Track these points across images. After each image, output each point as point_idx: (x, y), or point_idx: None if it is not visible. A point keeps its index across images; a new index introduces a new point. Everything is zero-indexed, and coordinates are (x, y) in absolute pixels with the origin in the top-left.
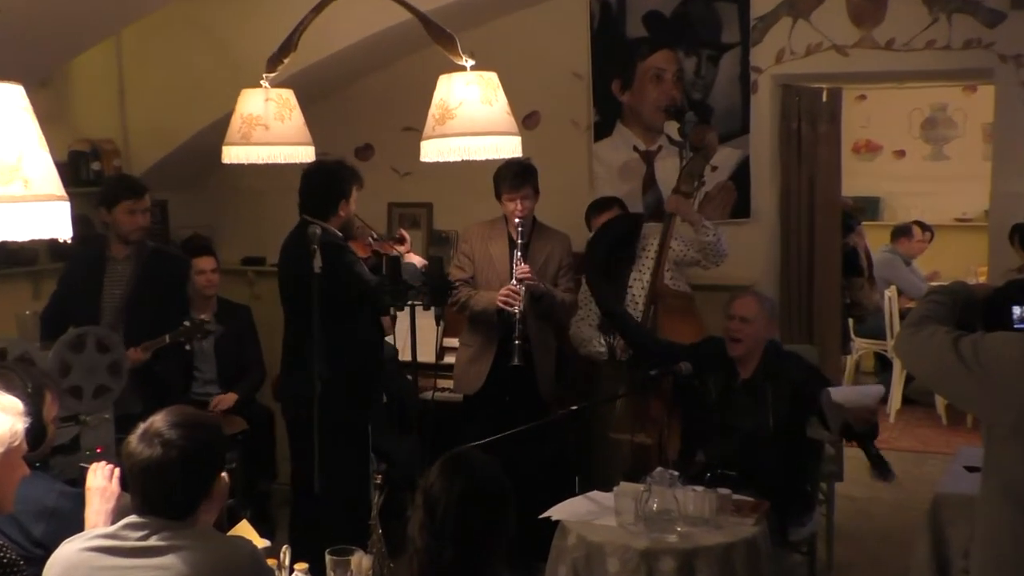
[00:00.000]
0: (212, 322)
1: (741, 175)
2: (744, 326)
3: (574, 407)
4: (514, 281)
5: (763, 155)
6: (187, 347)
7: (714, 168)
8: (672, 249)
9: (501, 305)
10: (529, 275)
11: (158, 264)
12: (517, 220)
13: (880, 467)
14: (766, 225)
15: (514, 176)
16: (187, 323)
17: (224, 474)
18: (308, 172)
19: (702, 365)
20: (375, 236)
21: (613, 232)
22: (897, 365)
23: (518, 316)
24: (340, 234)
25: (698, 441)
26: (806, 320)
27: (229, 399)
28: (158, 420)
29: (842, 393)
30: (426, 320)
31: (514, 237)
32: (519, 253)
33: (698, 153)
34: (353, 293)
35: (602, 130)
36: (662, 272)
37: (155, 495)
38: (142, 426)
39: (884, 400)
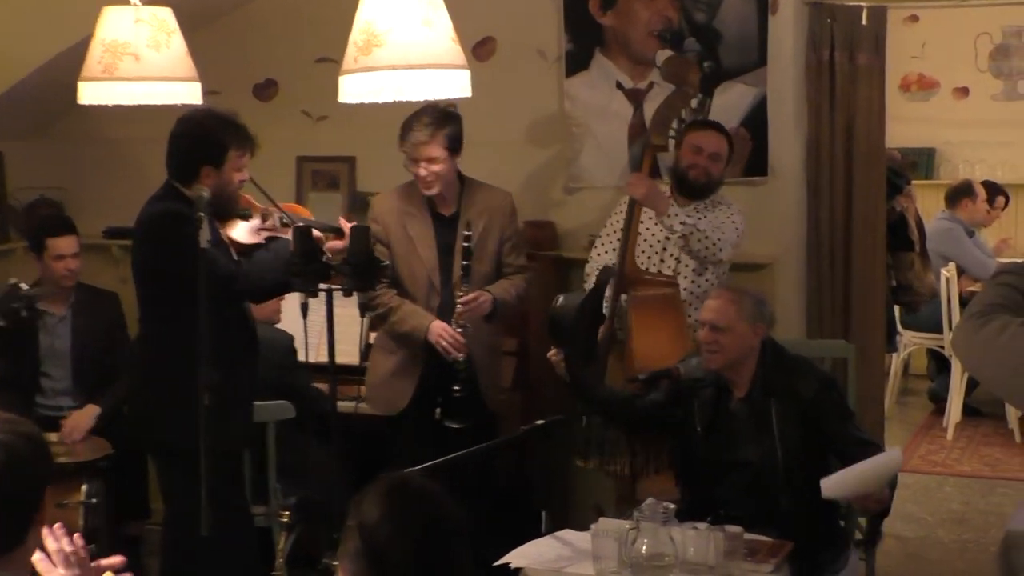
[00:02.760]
0: (38, 288)
1: (757, 120)
2: (718, 336)
3: (540, 422)
4: (458, 321)
5: (785, 94)
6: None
7: (695, 111)
8: (642, 235)
9: (438, 349)
10: (476, 309)
11: None
12: (466, 235)
13: (870, 541)
14: (789, 185)
15: (417, 127)
16: None
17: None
18: (176, 124)
19: (682, 387)
20: (283, 218)
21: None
22: (957, 366)
23: (461, 368)
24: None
25: (691, 482)
26: (840, 309)
27: (87, 417)
28: None
29: (839, 485)
30: (347, 310)
31: (438, 209)
32: (464, 262)
33: (675, 93)
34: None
35: (577, 62)
36: (632, 251)
37: None
38: None
39: (892, 487)
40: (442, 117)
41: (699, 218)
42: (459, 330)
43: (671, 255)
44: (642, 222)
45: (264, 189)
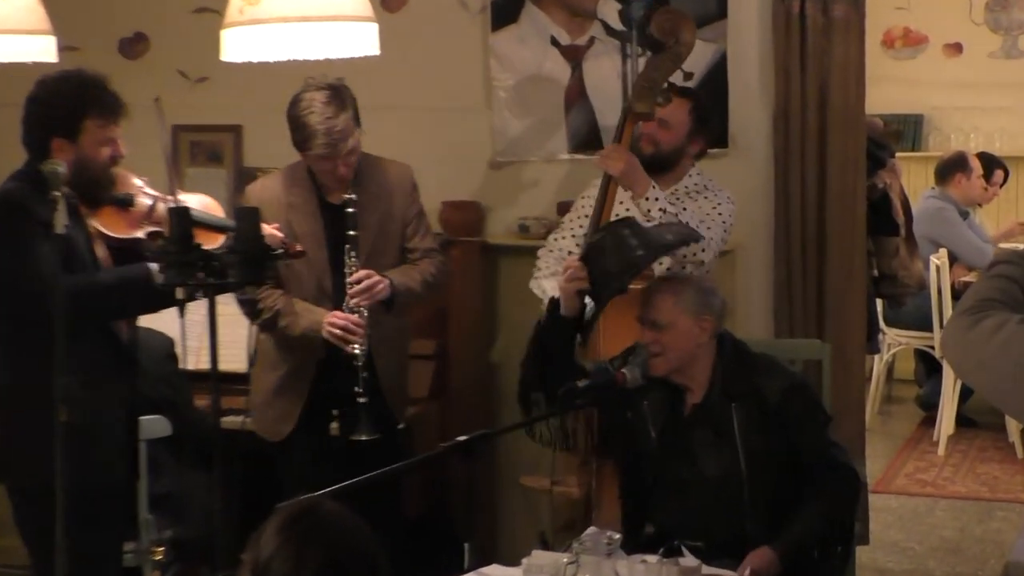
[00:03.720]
0: None
1: (715, 82)
2: (659, 335)
3: (462, 438)
4: (349, 306)
5: (748, 52)
6: None
7: (688, 75)
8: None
9: (333, 341)
10: (370, 290)
11: None
12: (346, 199)
13: None
14: (753, 159)
15: (323, 116)
16: None
17: None
18: (32, 87)
19: (632, 389)
20: (154, 197)
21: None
22: (949, 370)
23: (361, 361)
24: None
25: (641, 504)
26: (813, 303)
27: None
28: None
29: None
30: (233, 308)
31: (327, 198)
32: (354, 254)
33: (665, 53)
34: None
35: (504, 14)
36: None
37: None
38: None
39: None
40: (341, 92)
41: (682, 208)
42: (353, 312)
43: None
44: (620, 203)
45: (170, 168)
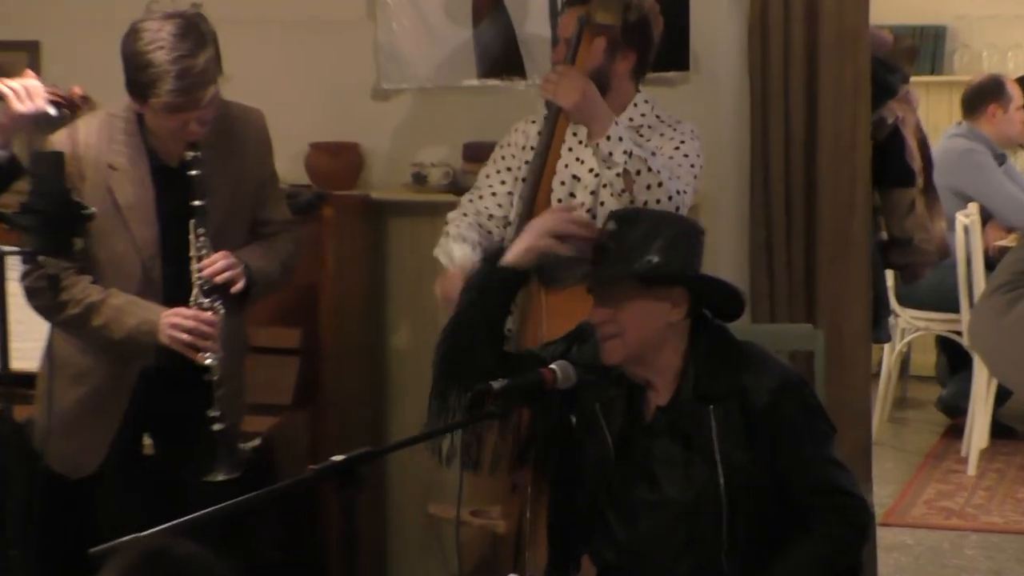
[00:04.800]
0: None
1: None
2: (615, 311)
3: (339, 458)
4: (198, 298)
5: None
6: None
7: None
8: (564, 169)
9: (176, 348)
10: (229, 281)
11: None
12: (189, 159)
13: None
14: (721, 87)
15: (179, 60)
16: None
17: None
18: None
19: (577, 386)
20: None
21: None
22: (981, 364)
23: (216, 375)
24: None
25: (580, 533)
26: (801, 276)
27: None
28: None
29: None
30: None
31: (161, 159)
32: (202, 231)
33: None
34: None
35: None
36: (545, 190)
37: None
38: None
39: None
40: (199, 23)
41: (651, 153)
42: (204, 308)
43: (603, 204)
44: (568, 147)
45: None
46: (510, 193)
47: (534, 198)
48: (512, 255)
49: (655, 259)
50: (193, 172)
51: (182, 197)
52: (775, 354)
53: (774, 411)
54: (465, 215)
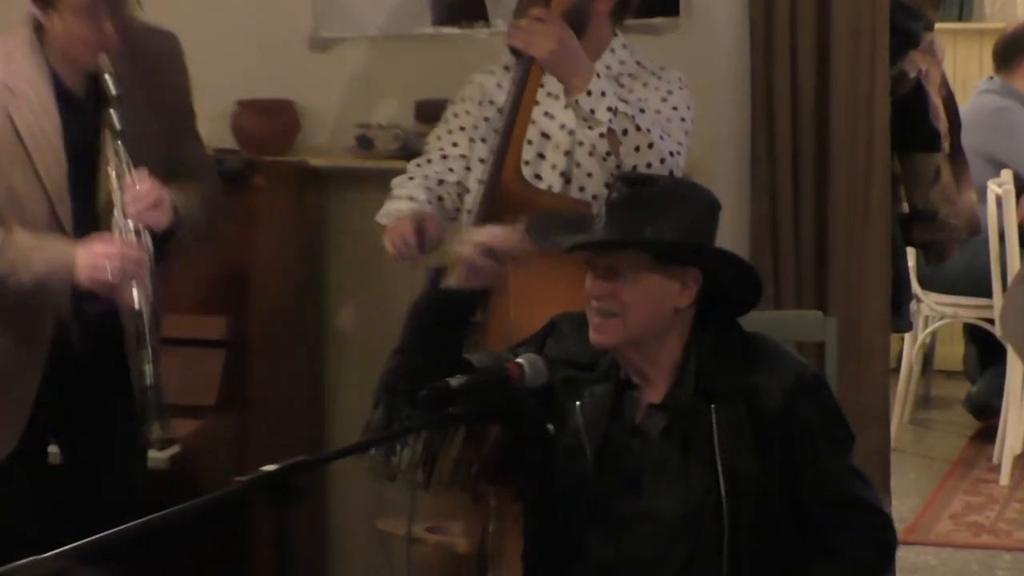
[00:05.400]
0: None
1: None
2: (618, 287)
3: (270, 467)
4: (125, 226)
5: None
6: None
7: None
8: (536, 127)
9: (97, 289)
10: (156, 206)
11: None
12: (106, 76)
13: None
14: (716, 34)
15: None
16: None
17: None
18: None
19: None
20: None
21: None
22: (1015, 359)
23: (145, 317)
24: None
25: (554, 554)
26: (811, 255)
27: None
28: None
29: None
30: None
31: (66, 84)
32: (121, 146)
33: None
34: None
35: None
36: (515, 152)
37: None
38: None
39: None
40: None
41: (639, 111)
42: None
43: (579, 166)
44: (539, 103)
45: None
46: (464, 156)
47: (501, 164)
48: (454, 277)
49: (673, 230)
50: (113, 91)
51: (90, 128)
52: (788, 347)
53: (788, 414)
54: (411, 179)
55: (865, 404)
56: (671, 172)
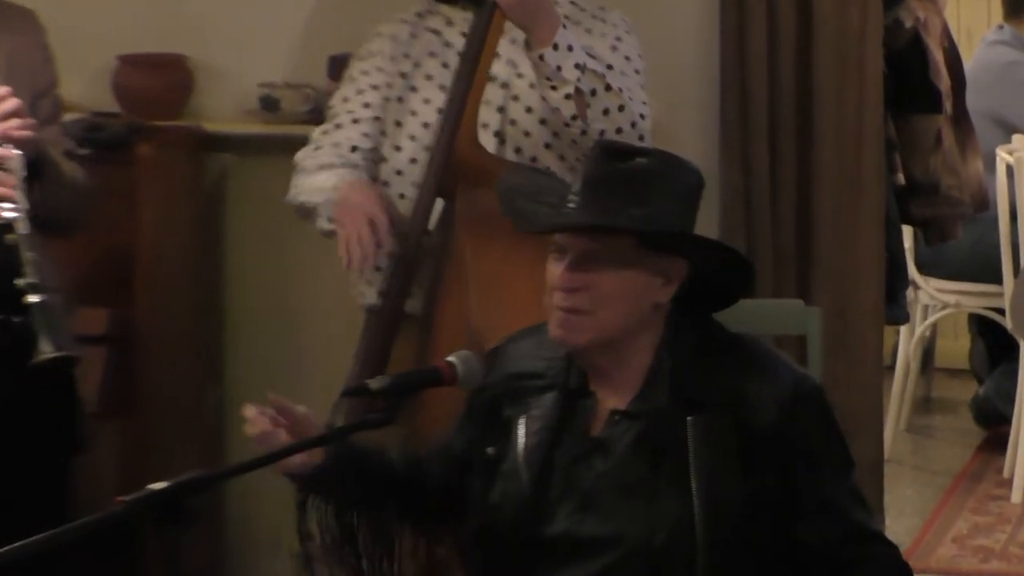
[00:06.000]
0: None
1: None
2: (590, 277)
3: (158, 485)
4: None
5: None
6: None
7: None
8: (494, 86)
9: None
10: (16, 115)
11: None
12: None
13: None
14: None
15: None
16: None
17: None
18: None
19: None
20: None
21: None
22: None
23: (23, 231)
24: None
25: None
26: (790, 234)
27: None
28: None
29: None
30: None
31: None
32: None
33: None
34: None
35: None
36: (471, 116)
37: None
38: None
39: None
40: None
41: (607, 67)
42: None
43: (514, 124)
44: (498, 57)
45: None
46: (378, 119)
47: (456, 128)
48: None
49: (668, 215)
50: None
51: None
52: (780, 352)
53: (785, 430)
54: (318, 148)
55: (855, 408)
56: (640, 138)
